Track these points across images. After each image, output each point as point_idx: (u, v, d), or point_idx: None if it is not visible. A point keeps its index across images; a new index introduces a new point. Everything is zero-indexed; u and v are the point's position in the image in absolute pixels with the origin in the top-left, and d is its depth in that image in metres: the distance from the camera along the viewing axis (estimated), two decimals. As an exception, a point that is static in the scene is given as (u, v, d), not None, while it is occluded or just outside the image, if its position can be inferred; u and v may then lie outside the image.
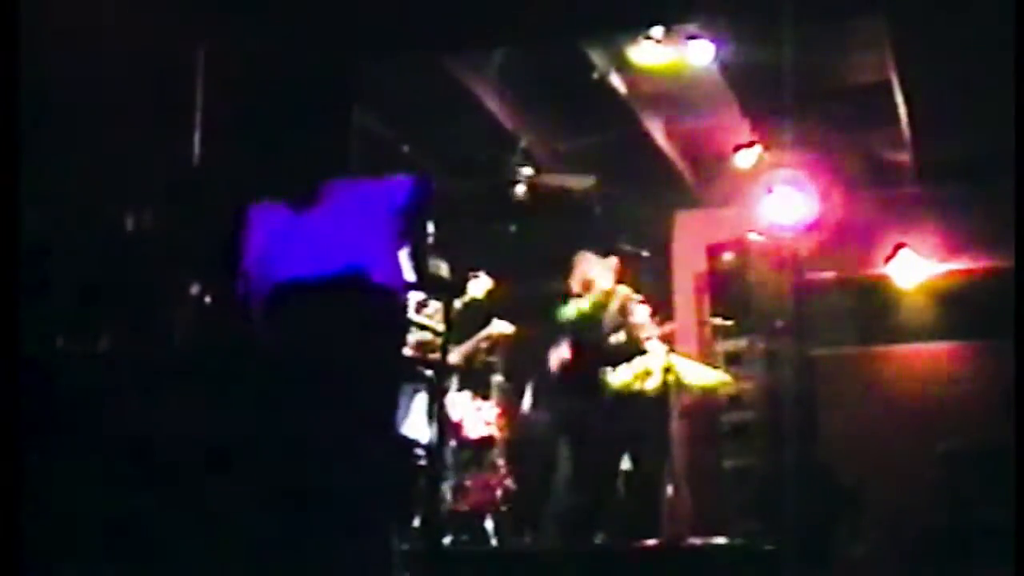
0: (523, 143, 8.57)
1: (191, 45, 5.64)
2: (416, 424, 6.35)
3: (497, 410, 7.58)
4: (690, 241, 9.51)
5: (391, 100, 7.32)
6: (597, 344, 7.50)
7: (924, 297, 9.02)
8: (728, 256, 8.45)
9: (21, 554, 3.76)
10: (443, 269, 6.88)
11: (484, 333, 7.52)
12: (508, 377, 7.84)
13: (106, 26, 5.18)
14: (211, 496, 4.19)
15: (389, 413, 4.03)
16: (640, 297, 7.81)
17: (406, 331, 5.75)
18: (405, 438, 6.07)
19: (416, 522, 6.22)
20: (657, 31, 7.55)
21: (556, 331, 7.46)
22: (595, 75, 7.89)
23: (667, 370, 8.04)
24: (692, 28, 7.49)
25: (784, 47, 6.47)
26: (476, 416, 7.49)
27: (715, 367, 8.09)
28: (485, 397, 7.65)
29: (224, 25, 5.69)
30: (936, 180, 8.88)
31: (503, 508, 7.33)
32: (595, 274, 7.58)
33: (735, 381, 8.14)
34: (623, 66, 8.02)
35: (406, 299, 4.42)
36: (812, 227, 7.40)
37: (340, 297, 3.80)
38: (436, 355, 6.25)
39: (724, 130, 8.90)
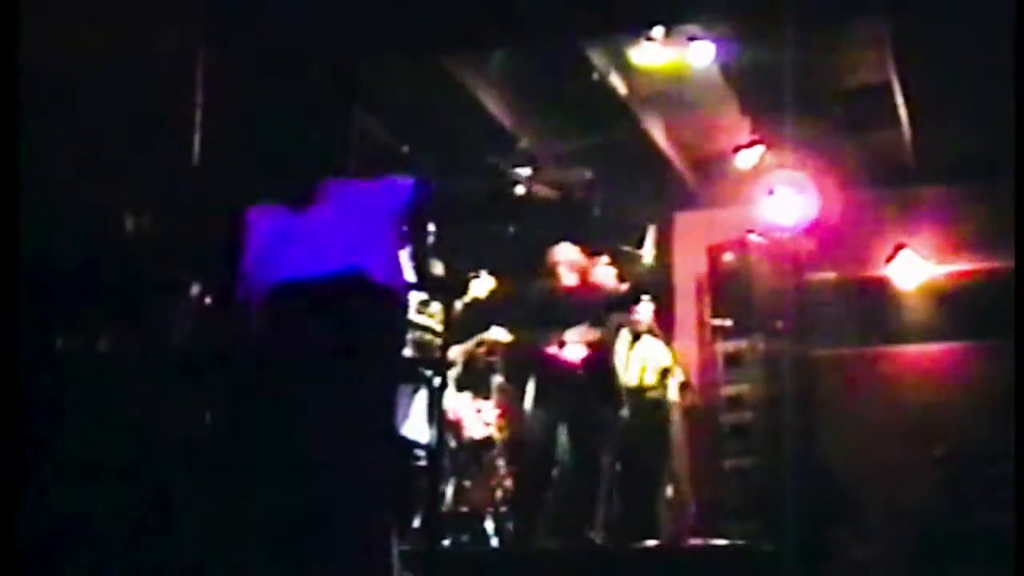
0: (523, 143, 8.58)
1: (191, 45, 5.64)
2: (416, 425, 6.34)
3: (497, 411, 7.58)
4: (690, 242, 9.51)
5: (391, 100, 7.32)
6: (597, 343, 7.51)
7: (924, 298, 9.02)
8: (728, 257, 8.45)
9: (21, 554, 3.76)
10: (438, 269, 6.87)
11: (478, 338, 7.53)
12: (508, 378, 7.84)
13: (106, 26, 5.18)
14: (209, 496, 4.19)
15: (388, 414, 4.03)
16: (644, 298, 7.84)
17: (405, 332, 5.75)
18: (405, 439, 6.06)
19: (416, 522, 6.22)
20: (657, 32, 7.56)
21: (554, 330, 7.45)
22: (595, 75, 7.90)
23: (666, 371, 8.09)
24: (692, 29, 7.50)
25: (784, 48, 6.48)
26: (476, 416, 7.49)
27: (715, 368, 8.10)
28: (485, 397, 7.65)
29: (224, 25, 5.69)
30: (936, 181, 8.88)
31: (503, 508, 7.32)
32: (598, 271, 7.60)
33: (735, 382, 8.17)
34: (623, 67, 8.03)
35: (406, 300, 4.42)
36: (812, 228, 7.40)
37: (339, 298, 3.79)
38: (436, 356, 6.24)
39: (724, 131, 8.91)
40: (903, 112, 7.97)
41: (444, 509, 6.91)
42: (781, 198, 7.33)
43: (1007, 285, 7.19)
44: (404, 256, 4.30)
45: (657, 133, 8.97)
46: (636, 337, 8.03)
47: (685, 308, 9.53)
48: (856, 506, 7.63)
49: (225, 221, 4.05)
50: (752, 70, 7.59)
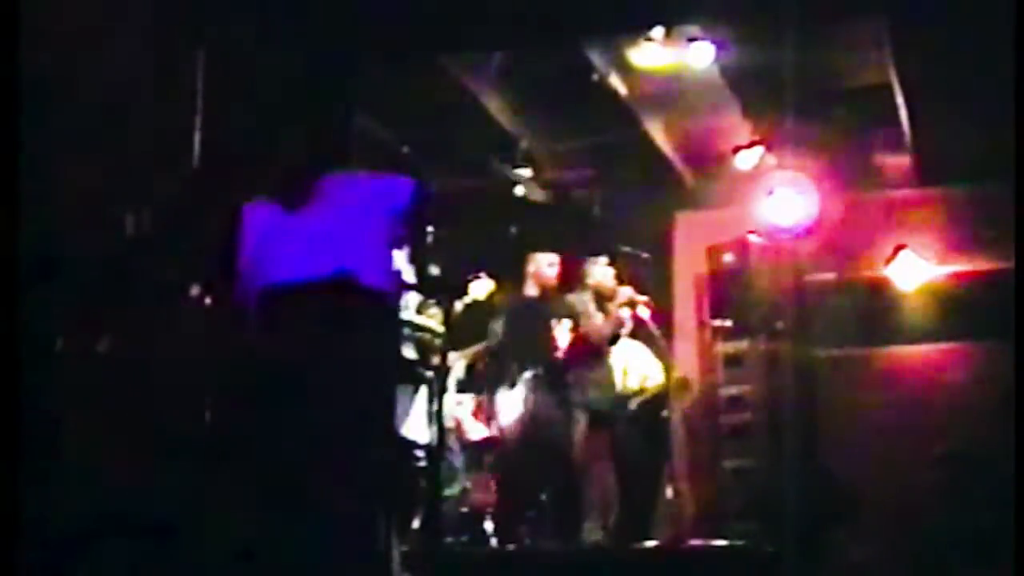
0: (523, 144, 8.57)
1: (191, 45, 5.63)
2: (416, 425, 6.35)
3: (497, 411, 7.58)
4: (690, 242, 9.50)
5: (391, 100, 7.32)
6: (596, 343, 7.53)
7: (924, 299, 9.00)
8: (728, 257, 8.44)
9: (22, 553, 3.76)
10: (436, 270, 6.88)
11: (484, 345, 7.56)
12: (506, 377, 7.83)
13: (106, 26, 5.18)
14: (208, 497, 4.19)
15: (384, 416, 4.02)
16: (646, 298, 7.84)
17: (399, 334, 5.74)
18: (405, 439, 6.06)
19: (416, 523, 6.22)
20: (657, 32, 7.55)
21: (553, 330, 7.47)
22: (595, 76, 7.90)
23: (663, 372, 8.10)
24: (693, 30, 7.49)
25: (785, 49, 6.47)
26: (476, 417, 7.50)
27: (715, 368, 8.10)
28: (484, 398, 7.65)
29: (224, 25, 5.69)
30: (937, 182, 8.88)
31: (503, 509, 7.32)
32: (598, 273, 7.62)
33: (735, 383, 8.16)
34: (623, 67, 8.03)
35: (398, 302, 4.41)
36: (812, 229, 7.38)
37: (330, 301, 3.78)
38: (436, 356, 6.25)
39: (724, 131, 8.90)
40: (903, 112, 7.97)
41: (444, 509, 6.90)
42: (781, 199, 7.31)
43: (1007, 286, 7.19)
44: (400, 257, 4.29)
45: (657, 134, 8.97)
46: (632, 336, 8.04)
47: (685, 309, 9.52)
48: (856, 506, 7.62)
49: (224, 222, 4.05)
50: (752, 71, 7.58)
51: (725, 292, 8.47)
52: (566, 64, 7.76)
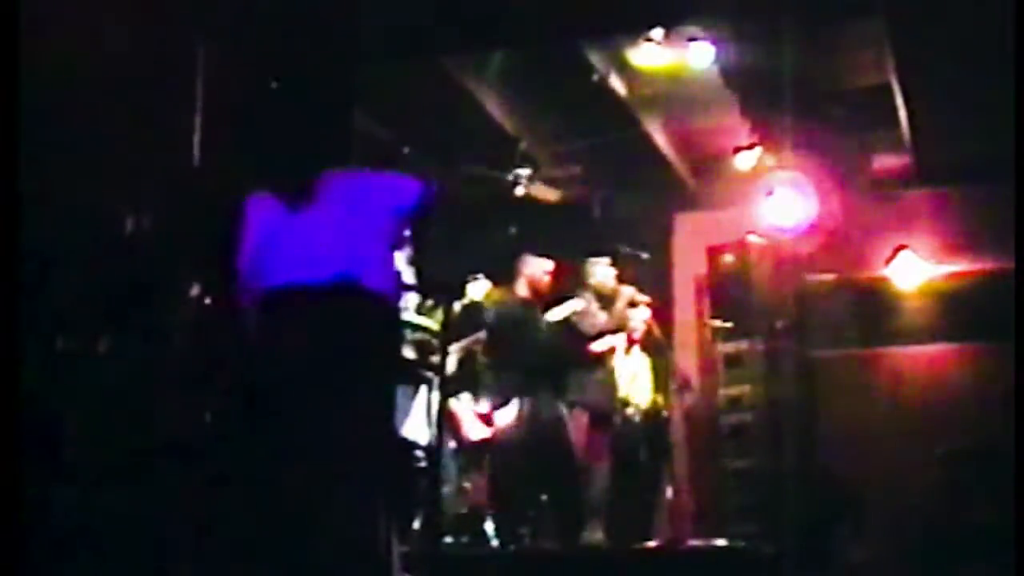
0: (523, 145, 8.58)
1: (191, 45, 5.64)
2: (415, 426, 6.34)
3: (497, 411, 7.57)
4: (690, 243, 9.51)
5: (391, 100, 7.32)
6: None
7: (924, 299, 9.01)
8: (728, 258, 8.45)
9: (21, 554, 3.76)
10: (435, 271, 6.86)
11: (475, 337, 7.53)
12: (504, 377, 7.82)
13: (106, 25, 5.18)
14: (207, 498, 4.19)
15: (385, 417, 4.01)
16: (647, 299, 7.85)
17: (401, 336, 5.73)
18: (404, 440, 6.06)
19: (416, 523, 6.21)
20: (657, 33, 7.56)
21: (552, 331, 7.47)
22: (595, 77, 7.90)
23: (662, 374, 8.11)
24: (692, 30, 7.50)
25: (784, 49, 6.48)
26: (475, 417, 7.49)
27: (715, 369, 8.10)
28: (484, 398, 7.64)
29: (225, 25, 5.69)
30: (936, 182, 8.87)
31: (503, 509, 7.31)
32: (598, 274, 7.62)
33: (735, 383, 8.17)
34: (623, 68, 8.03)
35: (399, 304, 4.39)
36: (812, 229, 7.40)
37: (334, 300, 3.77)
38: (435, 357, 6.23)
39: (724, 132, 8.90)
40: (903, 112, 7.97)
41: (444, 510, 6.90)
42: (781, 199, 7.33)
43: (1007, 286, 7.20)
44: (401, 258, 4.28)
45: (657, 134, 8.97)
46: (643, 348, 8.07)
47: (685, 309, 9.53)
48: (856, 506, 7.63)
49: (224, 222, 4.04)
50: (752, 71, 7.58)
51: (725, 292, 8.47)
52: (566, 64, 7.76)
